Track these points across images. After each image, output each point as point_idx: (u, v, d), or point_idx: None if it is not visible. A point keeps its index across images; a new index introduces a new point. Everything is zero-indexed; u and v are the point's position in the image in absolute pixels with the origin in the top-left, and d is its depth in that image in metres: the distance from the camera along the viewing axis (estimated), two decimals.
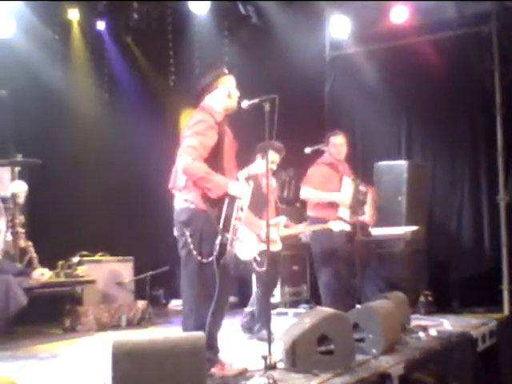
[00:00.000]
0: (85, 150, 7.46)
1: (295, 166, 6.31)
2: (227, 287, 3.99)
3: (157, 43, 8.09)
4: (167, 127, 7.96)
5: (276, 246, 5.29)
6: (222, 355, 4.00)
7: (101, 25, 7.93)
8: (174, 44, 8.04)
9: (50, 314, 6.38)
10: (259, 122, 4.00)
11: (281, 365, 4.03)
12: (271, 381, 3.52)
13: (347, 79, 8.12)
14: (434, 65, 7.41)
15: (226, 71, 4.14)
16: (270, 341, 3.93)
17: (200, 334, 3.33)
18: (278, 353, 4.10)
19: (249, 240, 5.11)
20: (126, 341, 3.17)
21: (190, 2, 7.65)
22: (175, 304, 7.72)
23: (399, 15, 7.61)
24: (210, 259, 3.73)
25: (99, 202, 7.53)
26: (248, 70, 7.86)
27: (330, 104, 8.29)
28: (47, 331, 6.11)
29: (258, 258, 5.11)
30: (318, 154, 5.94)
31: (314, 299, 7.14)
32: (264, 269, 5.02)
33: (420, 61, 7.47)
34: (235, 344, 5.10)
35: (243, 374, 3.91)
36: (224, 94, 4.07)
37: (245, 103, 4.09)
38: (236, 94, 4.10)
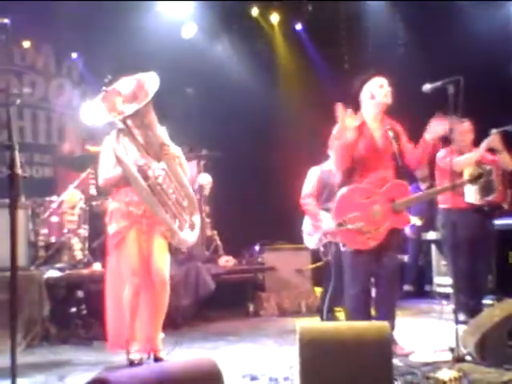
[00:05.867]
0: (262, 141, 7.69)
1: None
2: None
3: (330, 31, 8.10)
4: None
5: None
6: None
7: (275, 17, 8.12)
8: (347, 32, 8.02)
9: (235, 299, 6.66)
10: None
11: (468, 358, 3.87)
12: (461, 374, 3.39)
13: None
14: None
15: (370, 74, 4.32)
16: (457, 333, 3.80)
17: (384, 324, 3.29)
18: (465, 345, 3.94)
19: None
20: (311, 327, 3.23)
21: None
22: None
23: None
24: None
25: (277, 192, 7.72)
26: (426, 52, 7.62)
27: None
28: (232, 315, 6.40)
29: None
30: (505, 135, 5.55)
31: (501, 290, 6.73)
32: None
33: None
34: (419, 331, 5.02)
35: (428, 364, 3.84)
36: (367, 97, 4.27)
37: (426, 87, 3.98)
38: (380, 93, 4.22)
